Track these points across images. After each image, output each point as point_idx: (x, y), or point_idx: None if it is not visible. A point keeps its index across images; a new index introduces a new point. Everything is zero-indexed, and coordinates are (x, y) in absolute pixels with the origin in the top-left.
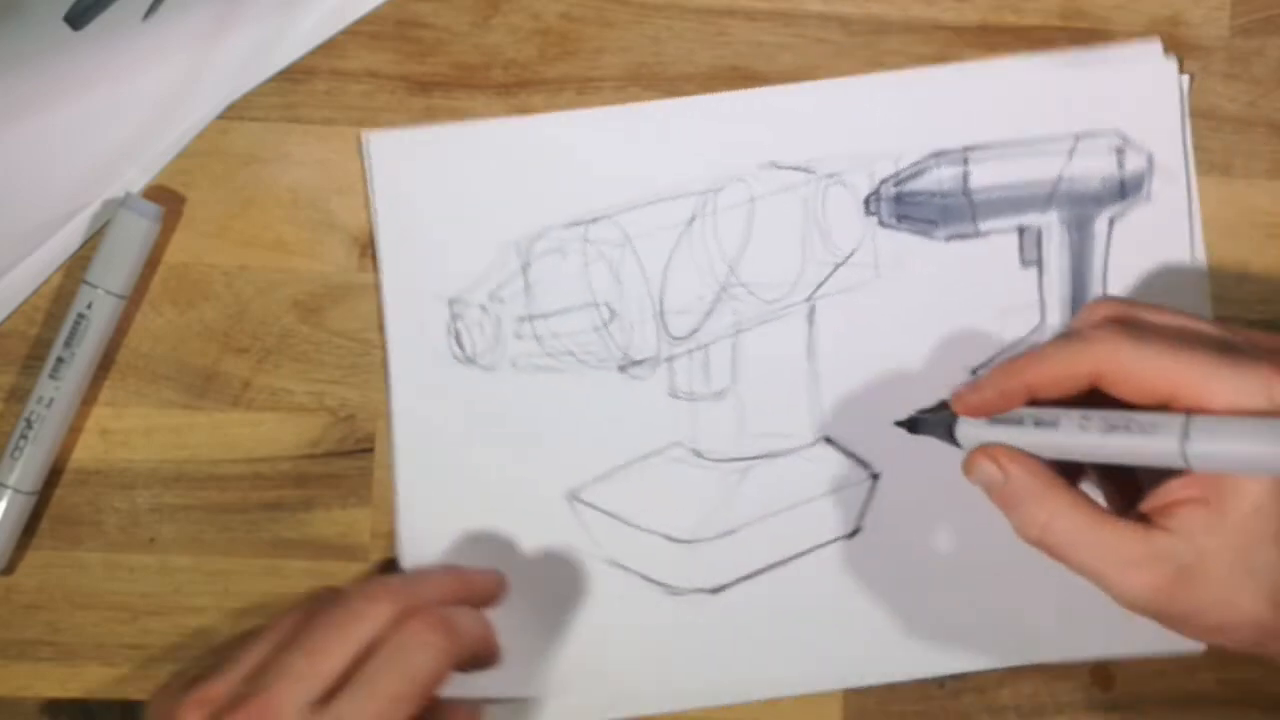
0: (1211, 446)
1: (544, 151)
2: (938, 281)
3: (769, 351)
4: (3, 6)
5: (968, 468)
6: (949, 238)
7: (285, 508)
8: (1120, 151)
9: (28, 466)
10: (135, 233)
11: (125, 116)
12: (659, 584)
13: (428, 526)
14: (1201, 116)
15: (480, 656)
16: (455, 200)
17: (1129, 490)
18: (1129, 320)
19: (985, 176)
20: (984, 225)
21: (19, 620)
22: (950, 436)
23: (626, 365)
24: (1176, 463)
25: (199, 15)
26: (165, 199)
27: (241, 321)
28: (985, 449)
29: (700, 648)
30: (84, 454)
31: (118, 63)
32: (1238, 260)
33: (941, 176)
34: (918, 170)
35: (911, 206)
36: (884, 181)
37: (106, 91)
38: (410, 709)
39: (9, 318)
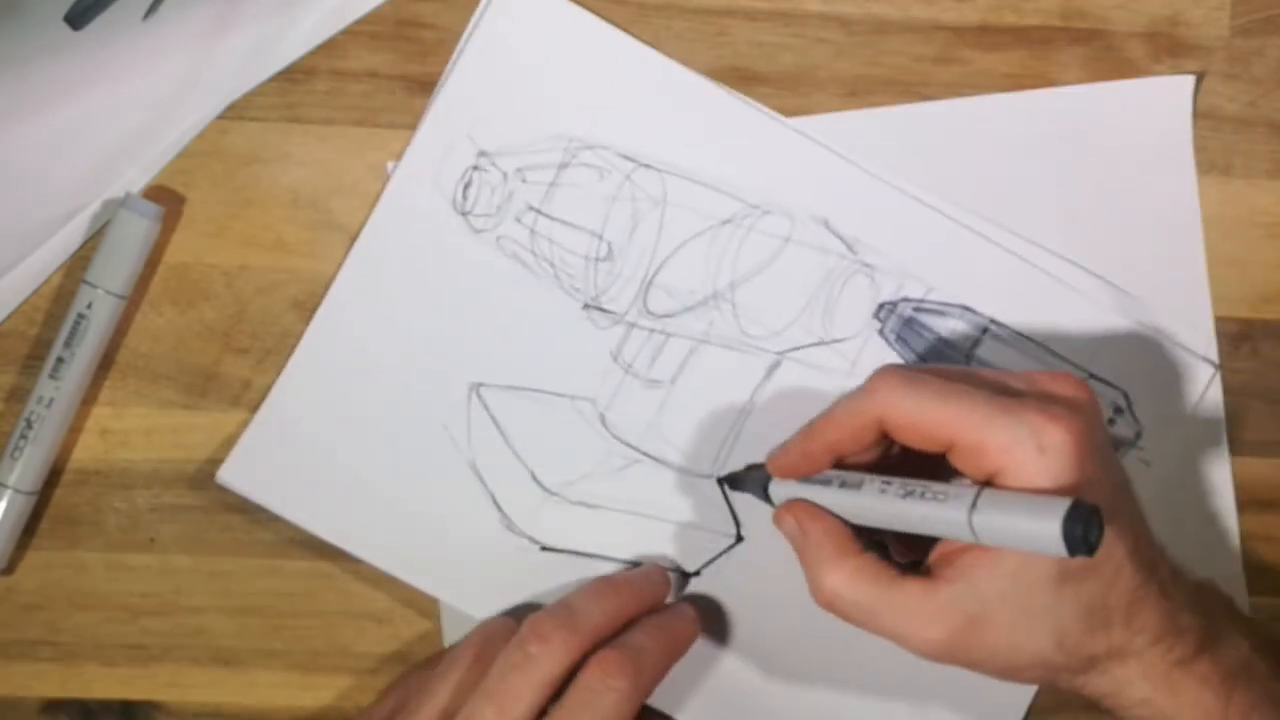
0: (995, 520)
1: (644, 85)
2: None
3: (718, 376)
4: (3, 6)
5: (776, 521)
6: None
7: None
8: (1118, 412)
9: (28, 466)
10: (135, 233)
11: (125, 116)
12: (501, 512)
13: (338, 337)
14: (1201, 117)
15: (670, 667)
16: (544, 73)
17: (924, 542)
18: (908, 372)
19: (992, 354)
20: None
21: (19, 620)
22: (766, 495)
23: (592, 307)
24: (965, 534)
25: (199, 15)
26: (165, 199)
27: (241, 321)
28: (789, 505)
29: (506, 586)
30: (84, 454)
31: (118, 63)
32: (1238, 260)
33: (956, 328)
34: (941, 310)
35: (915, 336)
36: (906, 300)
37: (106, 91)
38: None
39: (9, 318)
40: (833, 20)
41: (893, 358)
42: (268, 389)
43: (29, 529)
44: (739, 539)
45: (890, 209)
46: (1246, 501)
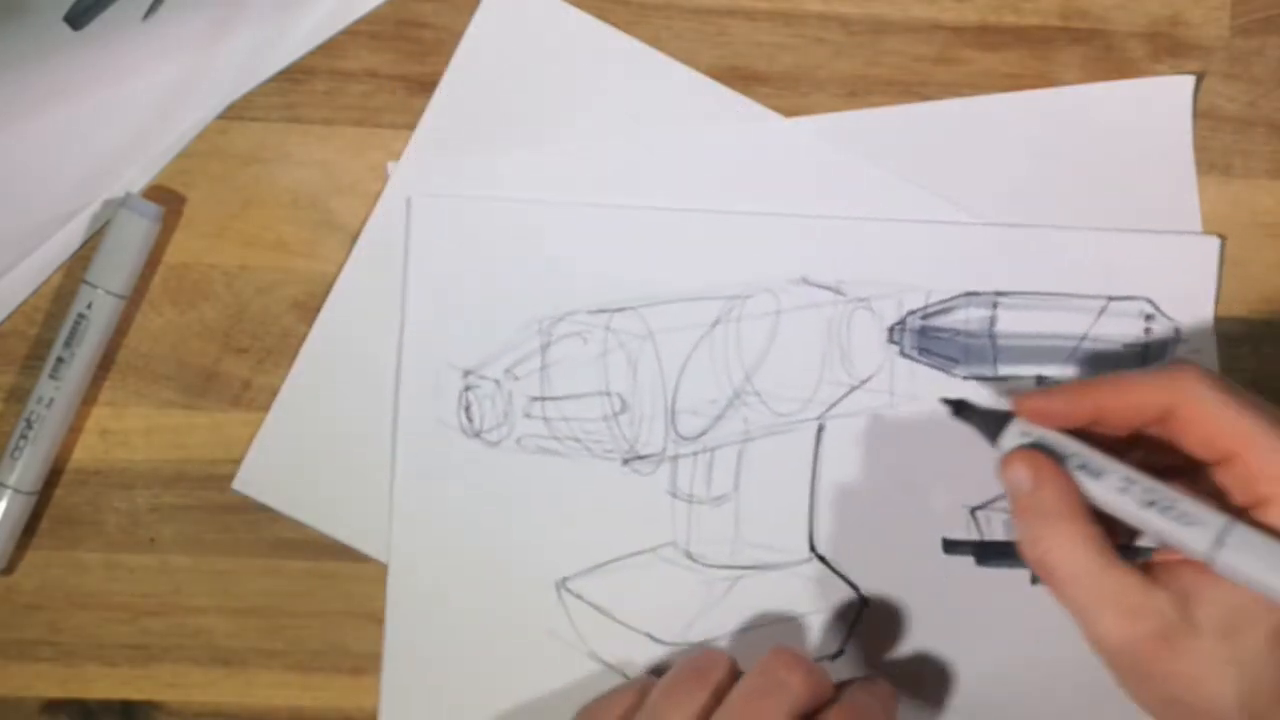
0: (1242, 563)
1: (579, 237)
2: (950, 418)
3: (774, 463)
4: (3, 6)
5: (1005, 463)
6: (968, 377)
7: None
8: (1149, 318)
9: (28, 466)
10: (135, 233)
11: (125, 116)
12: (629, 678)
13: (416, 597)
14: (1202, 116)
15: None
16: (486, 273)
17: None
18: (1212, 375)
19: (1012, 323)
20: (1004, 369)
21: (19, 620)
22: (991, 435)
23: (631, 459)
24: (1201, 559)
25: (199, 15)
26: (165, 199)
27: (241, 321)
28: (1030, 454)
29: None
30: (84, 454)
31: (118, 63)
32: (1238, 260)
33: (969, 316)
34: (946, 307)
35: (935, 341)
36: (911, 313)
37: (106, 91)
38: None
39: (9, 318)
40: (833, 20)
41: (923, 370)
42: (268, 389)
43: (29, 529)
44: (864, 603)
45: (856, 238)
46: None
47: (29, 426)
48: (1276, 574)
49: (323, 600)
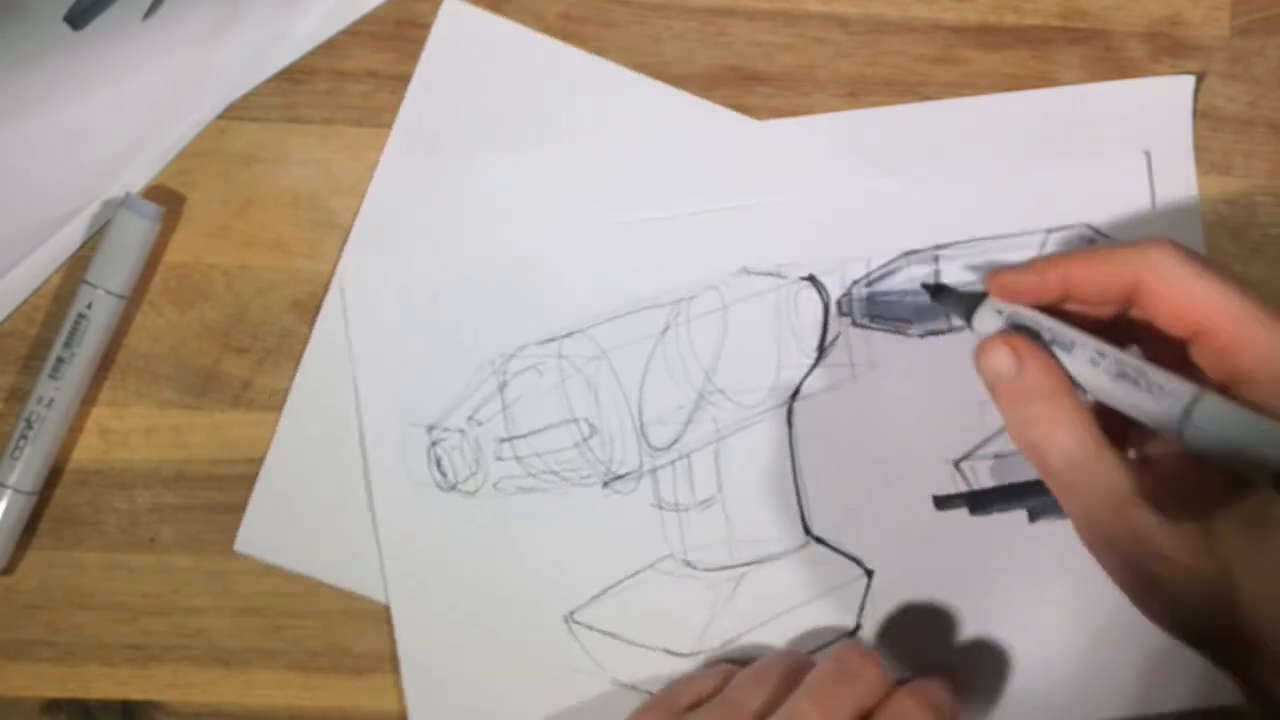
0: (1211, 431)
1: (514, 268)
2: (914, 377)
3: (751, 457)
4: (3, 6)
5: (981, 350)
6: (923, 334)
7: None
8: (1091, 243)
9: (28, 466)
10: (135, 233)
11: (125, 116)
12: (650, 694)
13: (429, 658)
14: (1201, 117)
15: None
16: (429, 323)
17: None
18: (1186, 249)
19: (957, 273)
20: (957, 321)
21: (19, 620)
22: (966, 316)
23: (610, 480)
24: (1172, 433)
25: (199, 15)
26: (165, 199)
27: (241, 321)
28: (1009, 337)
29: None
30: (84, 454)
31: (118, 63)
32: (1238, 260)
33: (913, 275)
34: (889, 270)
35: (884, 306)
36: (855, 282)
37: (106, 91)
38: None
39: (9, 318)
40: (833, 20)
41: (878, 337)
42: (268, 389)
43: (29, 529)
44: (869, 573)
45: (788, 219)
46: None
47: (29, 426)
48: (1243, 443)
49: (323, 600)
